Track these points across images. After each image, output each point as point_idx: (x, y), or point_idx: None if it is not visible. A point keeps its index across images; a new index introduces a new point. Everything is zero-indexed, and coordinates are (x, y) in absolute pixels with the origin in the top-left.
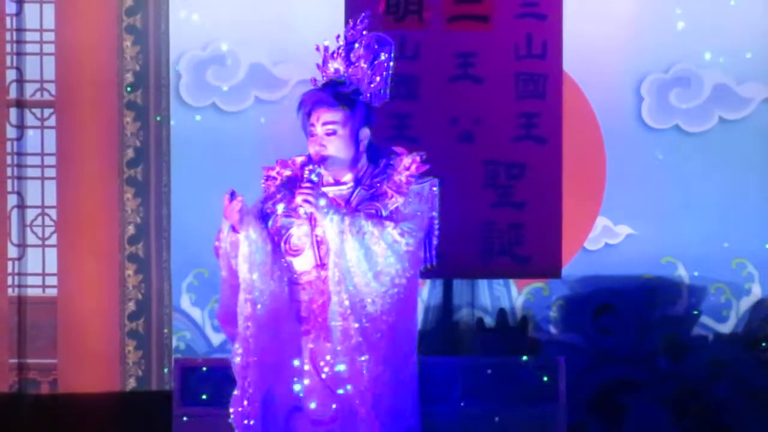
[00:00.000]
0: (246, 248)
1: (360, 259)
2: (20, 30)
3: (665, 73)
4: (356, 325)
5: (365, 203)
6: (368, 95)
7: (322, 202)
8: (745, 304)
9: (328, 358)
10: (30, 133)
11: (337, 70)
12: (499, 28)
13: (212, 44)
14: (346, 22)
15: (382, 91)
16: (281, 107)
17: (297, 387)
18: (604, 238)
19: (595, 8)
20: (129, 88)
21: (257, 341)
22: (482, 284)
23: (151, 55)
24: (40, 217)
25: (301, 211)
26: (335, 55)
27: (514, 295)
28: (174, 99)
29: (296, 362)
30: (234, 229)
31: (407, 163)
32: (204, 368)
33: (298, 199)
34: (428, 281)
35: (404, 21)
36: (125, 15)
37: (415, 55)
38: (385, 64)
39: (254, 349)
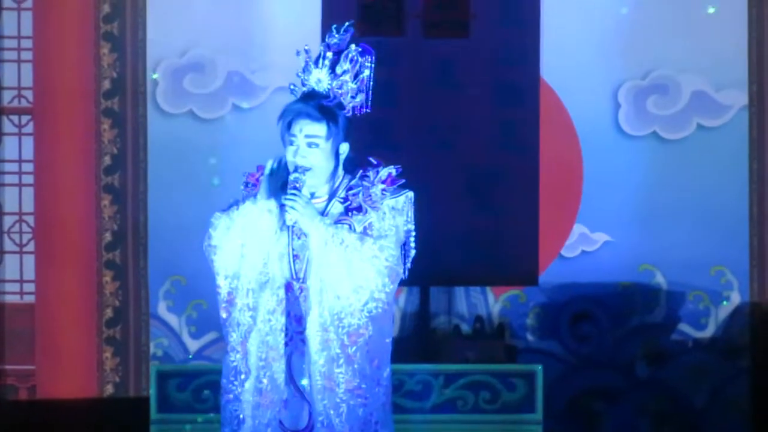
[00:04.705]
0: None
1: (341, 270)
2: None
3: (642, 79)
4: (334, 337)
5: (339, 217)
6: (350, 109)
7: (309, 210)
8: (724, 311)
9: (304, 369)
10: (7, 139)
11: (319, 81)
12: (478, 36)
13: (190, 51)
14: (324, 29)
15: (363, 105)
16: (258, 115)
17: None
18: (581, 246)
19: (572, 16)
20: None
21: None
22: (459, 291)
23: (129, 63)
24: (17, 224)
25: (287, 217)
26: (319, 63)
27: (491, 302)
28: (151, 106)
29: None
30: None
31: (383, 176)
32: (181, 375)
33: (285, 206)
34: (405, 288)
35: (382, 28)
36: (102, 22)
37: (393, 63)
38: (368, 77)
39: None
